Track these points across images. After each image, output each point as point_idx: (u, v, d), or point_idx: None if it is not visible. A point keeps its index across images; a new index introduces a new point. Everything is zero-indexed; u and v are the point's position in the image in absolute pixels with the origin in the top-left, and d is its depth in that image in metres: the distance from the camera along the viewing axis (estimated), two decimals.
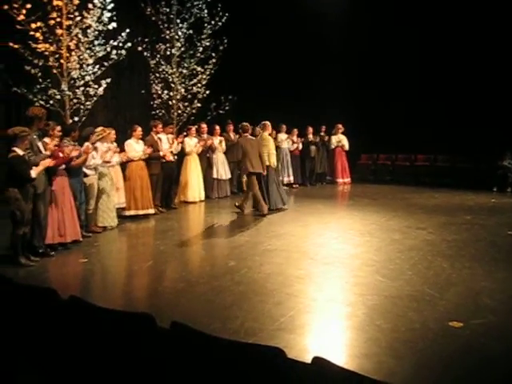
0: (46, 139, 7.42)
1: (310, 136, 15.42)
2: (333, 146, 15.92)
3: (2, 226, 7.36)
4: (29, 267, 6.58)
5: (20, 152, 6.49)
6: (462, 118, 14.35)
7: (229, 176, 13.15)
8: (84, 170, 8.30)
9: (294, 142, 14.92)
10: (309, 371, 1.91)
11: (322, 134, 15.93)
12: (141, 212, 9.92)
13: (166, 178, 10.86)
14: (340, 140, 15.87)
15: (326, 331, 4.54)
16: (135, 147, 9.97)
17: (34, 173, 6.53)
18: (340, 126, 15.82)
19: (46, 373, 2.72)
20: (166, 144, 10.95)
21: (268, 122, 11.39)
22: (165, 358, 2.28)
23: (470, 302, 5.15)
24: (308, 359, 2.57)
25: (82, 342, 2.61)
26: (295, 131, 14.99)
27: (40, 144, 7.10)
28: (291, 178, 14.96)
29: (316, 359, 1.89)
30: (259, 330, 4.42)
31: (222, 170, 12.95)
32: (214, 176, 12.81)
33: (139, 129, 10.15)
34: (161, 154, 10.56)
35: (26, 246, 6.81)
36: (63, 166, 7.54)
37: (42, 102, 9.84)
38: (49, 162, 6.90)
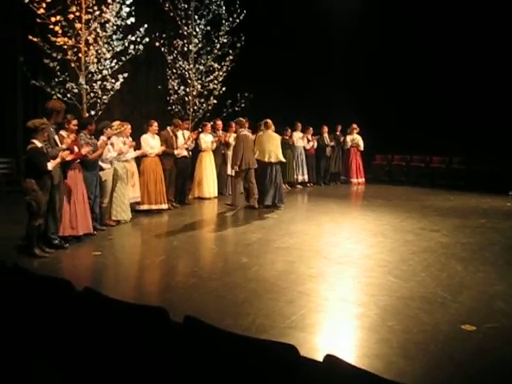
0: (63, 132, 7.48)
1: (326, 136, 15.39)
2: (348, 146, 15.88)
3: (18, 216, 7.44)
4: (43, 258, 6.64)
5: (39, 144, 6.55)
6: (478, 120, 14.22)
7: None
8: (100, 163, 8.35)
9: (309, 141, 14.91)
10: (321, 369, 1.91)
11: (338, 133, 15.89)
12: (154, 207, 9.99)
13: (179, 174, 10.90)
14: (355, 140, 15.83)
15: (337, 330, 4.53)
16: (151, 142, 10.03)
17: (50, 165, 6.59)
18: (355, 125, 15.76)
19: (60, 363, 2.75)
20: (182, 140, 11.00)
21: (269, 120, 11.41)
22: (178, 351, 2.29)
23: (482, 306, 5.12)
24: (318, 358, 2.57)
25: (97, 333, 2.63)
26: (310, 130, 14.97)
27: (56, 137, 7.16)
28: (305, 177, 14.94)
29: (328, 357, 1.89)
30: (270, 328, 4.43)
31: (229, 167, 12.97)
32: (229, 172, 12.82)
33: (155, 124, 10.19)
34: (175, 152, 10.61)
35: (40, 238, 6.87)
36: (78, 160, 7.60)
37: (59, 95, 9.91)
38: (67, 156, 6.97)
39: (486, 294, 5.49)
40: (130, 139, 9.56)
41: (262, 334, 4.21)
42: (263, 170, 10.86)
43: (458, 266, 6.53)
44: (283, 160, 11.11)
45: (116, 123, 9.10)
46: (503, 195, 13.24)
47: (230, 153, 12.84)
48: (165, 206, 10.19)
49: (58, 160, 6.77)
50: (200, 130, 12.17)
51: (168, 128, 10.70)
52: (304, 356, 2.08)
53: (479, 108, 14.32)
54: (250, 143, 10.89)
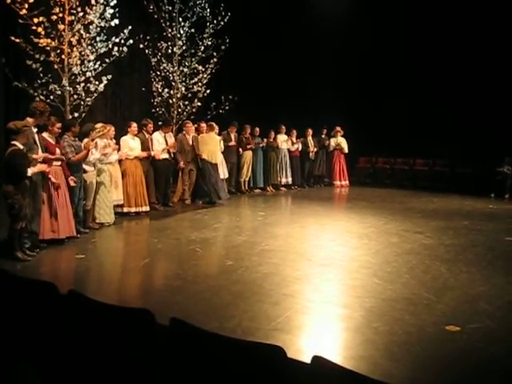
0: (45, 134, 7.39)
1: (310, 139, 15.42)
2: (331, 149, 15.94)
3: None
4: (26, 262, 6.53)
5: (20, 146, 6.47)
6: (461, 124, 14.37)
7: (227, 175, 13.13)
8: (83, 166, 8.28)
9: (293, 143, 14.95)
10: (309, 370, 1.90)
11: (323, 136, 15.96)
12: (133, 209, 9.89)
13: (160, 176, 10.81)
14: (339, 143, 15.90)
15: (322, 332, 4.53)
16: (130, 144, 9.97)
17: (30, 171, 6.51)
18: (339, 128, 15.88)
19: (44, 367, 2.71)
20: (161, 143, 10.88)
21: (213, 123, 12.10)
22: (164, 354, 2.27)
23: (467, 307, 5.14)
24: (304, 360, 2.56)
25: (82, 336, 2.60)
26: (294, 132, 15.03)
27: (37, 138, 7.03)
28: (289, 179, 14.98)
29: (316, 358, 1.88)
30: (256, 330, 4.41)
31: (220, 169, 12.91)
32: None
33: (134, 125, 10.14)
34: (151, 153, 10.53)
35: (23, 241, 6.77)
36: (60, 163, 7.51)
37: (42, 97, 9.80)
38: (44, 169, 6.89)
39: (470, 295, 5.52)
40: (114, 141, 9.49)
41: (247, 337, 4.19)
42: (209, 170, 11.38)
43: (442, 267, 6.56)
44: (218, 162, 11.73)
45: (99, 125, 9.03)
46: (485, 197, 13.39)
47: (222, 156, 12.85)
48: (145, 209, 10.11)
49: (36, 170, 6.69)
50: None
51: (143, 131, 10.56)
52: (291, 358, 2.07)
53: (462, 111, 14.47)
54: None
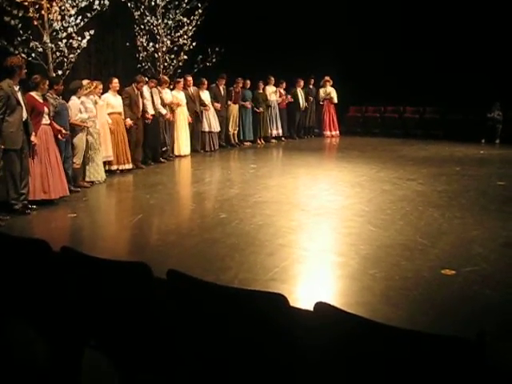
0: (34, 93, 7.19)
1: (300, 90, 15.24)
2: (321, 99, 15.79)
3: None
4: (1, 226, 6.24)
5: None
6: (450, 69, 14.20)
7: (218, 129, 13.02)
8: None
9: (281, 95, 14.79)
10: (313, 316, 1.87)
11: (311, 86, 15.77)
12: (114, 167, 9.73)
13: (149, 133, 10.65)
14: (328, 93, 15.74)
15: (319, 281, 4.53)
16: (111, 101, 9.76)
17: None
18: (328, 78, 15.67)
19: (43, 325, 2.68)
20: (149, 99, 10.69)
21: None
22: (164, 307, 2.24)
23: (461, 251, 5.16)
24: (304, 307, 2.53)
25: (78, 292, 2.57)
26: (283, 84, 14.85)
27: (20, 96, 6.79)
28: (280, 131, 14.87)
29: (319, 304, 1.85)
30: (253, 281, 4.41)
31: (213, 122, 12.80)
32: (206, 129, 12.65)
33: (115, 80, 9.87)
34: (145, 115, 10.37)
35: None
36: (47, 121, 7.37)
37: (23, 56, 9.53)
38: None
39: (464, 239, 5.54)
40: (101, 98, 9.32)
41: (245, 288, 4.19)
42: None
43: (436, 213, 6.57)
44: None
45: (85, 82, 8.84)
46: (476, 143, 13.37)
47: (205, 110, 12.67)
48: (128, 166, 9.96)
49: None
50: (171, 87, 11.89)
51: (133, 85, 10.35)
52: (293, 306, 2.04)
53: (451, 57, 14.27)
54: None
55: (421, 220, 6.27)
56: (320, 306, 1.84)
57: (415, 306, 3.91)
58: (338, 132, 16.05)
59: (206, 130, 12.68)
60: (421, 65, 14.66)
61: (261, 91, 14.27)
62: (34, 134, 6.93)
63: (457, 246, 5.32)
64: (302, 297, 4.14)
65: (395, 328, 1.76)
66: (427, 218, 6.37)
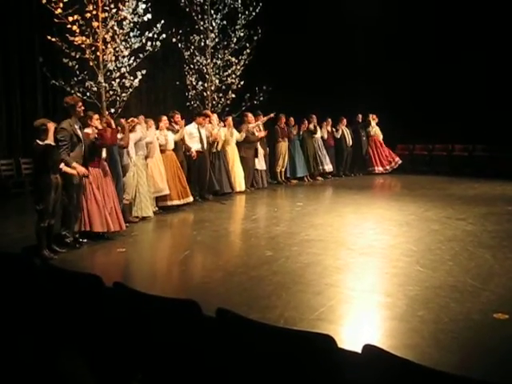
0: (88, 130, 7.43)
1: (344, 128, 15.30)
2: (369, 136, 15.85)
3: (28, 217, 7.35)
4: (52, 260, 6.33)
5: (40, 142, 6.38)
6: (500, 107, 14.00)
7: (265, 167, 13.10)
8: (124, 160, 8.35)
9: (329, 132, 14.89)
10: (361, 359, 1.87)
11: (360, 124, 15.81)
12: (175, 202, 9.83)
13: (196, 169, 10.77)
14: (374, 130, 15.77)
15: (366, 321, 4.47)
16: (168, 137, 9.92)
17: (62, 166, 6.58)
18: (373, 116, 15.72)
19: (93, 358, 2.74)
20: (194, 136, 10.81)
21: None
22: (213, 345, 2.26)
23: None
24: (351, 349, 2.52)
25: (129, 328, 2.62)
26: (329, 121, 14.95)
27: (80, 133, 7.05)
28: (330, 166, 14.84)
29: (367, 347, 1.84)
30: (299, 320, 4.39)
31: (262, 160, 12.89)
32: (257, 167, 12.74)
33: (164, 118, 10.00)
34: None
35: (51, 238, 6.71)
36: (104, 156, 7.57)
37: (79, 94, 9.93)
38: (74, 173, 6.84)
39: None
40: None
41: (291, 327, 4.17)
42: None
43: (487, 254, 6.41)
44: None
45: (129, 120, 8.95)
46: None
47: (260, 147, 12.79)
48: (189, 200, 10.03)
49: (69, 170, 6.72)
50: (223, 124, 12.01)
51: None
52: (341, 347, 2.03)
53: (501, 94, 14.09)
54: None
55: (471, 261, 6.12)
56: (368, 349, 1.83)
57: (466, 350, 3.81)
58: (396, 160, 15.85)
59: (257, 167, 12.76)
60: (470, 102, 14.51)
61: (306, 129, 14.36)
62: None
63: (509, 289, 5.17)
64: (349, 338, 4.09)
65: (445, 373, 1.73)
66: (477, 258, 6.22)
